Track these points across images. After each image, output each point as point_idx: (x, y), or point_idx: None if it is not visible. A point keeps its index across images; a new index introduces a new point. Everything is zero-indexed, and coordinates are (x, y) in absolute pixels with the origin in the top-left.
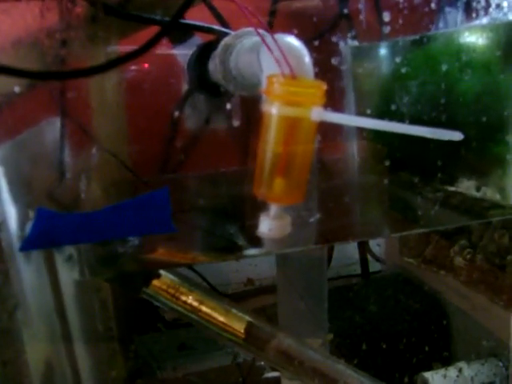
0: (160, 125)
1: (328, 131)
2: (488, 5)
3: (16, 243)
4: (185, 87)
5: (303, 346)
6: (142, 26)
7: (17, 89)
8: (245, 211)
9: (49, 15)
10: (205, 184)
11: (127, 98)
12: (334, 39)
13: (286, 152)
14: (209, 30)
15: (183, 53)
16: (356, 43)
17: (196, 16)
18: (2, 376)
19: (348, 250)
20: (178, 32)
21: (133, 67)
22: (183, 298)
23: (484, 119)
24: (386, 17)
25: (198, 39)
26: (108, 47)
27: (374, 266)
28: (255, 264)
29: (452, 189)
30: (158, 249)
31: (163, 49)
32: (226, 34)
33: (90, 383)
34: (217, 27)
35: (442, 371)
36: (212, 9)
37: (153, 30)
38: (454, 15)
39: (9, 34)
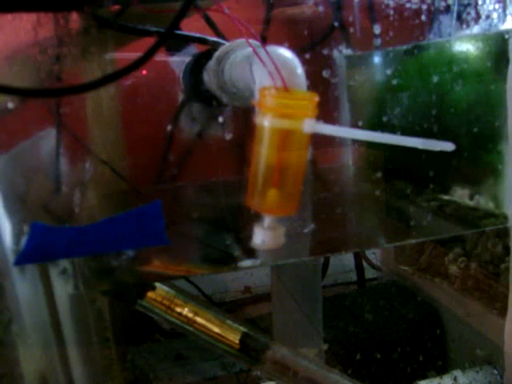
0: (155, 135)
1: (322, 141)
2: (478, 16)
3: (11, 257)
4: (180, 97)
5: (298, 356)
6: (135, 37)
7: (10, 104)
8: (240, 222)
9: (42, 30)
10: (200, 194)
11: (123, 108)
12: (327, 49)
13: (279, 164)
14: (203, 41)
15: (178, 62)
16: (350, 52)
17: (192, 26)
18: None
19: (344, 258)
20: (174, 41)
21: (128, 78)
22: (178, 309)
23: (476, 129)
24: (379, 27)
25: (194, 48)
26: (102, 58)
27: (369, 273)
28: (252, 273)
29: (446, 198)
30: (153, 261)
31: (158, 58)
32: (220, 45)
33: None
34: (211, 38)
35: (436, 380)
36: (207, 19)
37: (147, 39)
38: (447, 26)
39: (2, 50)
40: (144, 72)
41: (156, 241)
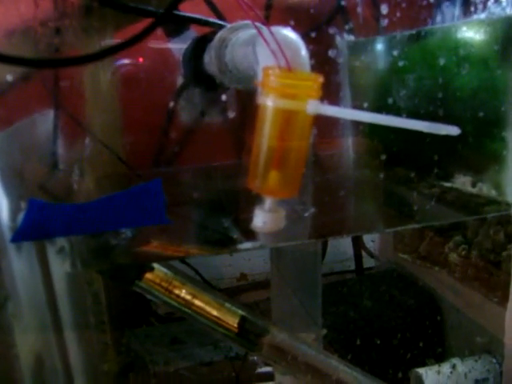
0: (154, 118)
1: (323, 126)
2: None
3: (7, 234)
4: (180, 80)
5: (296, 341)
6: (137, 18)
7: (9, 77)
8: (239, 205)
9: (42, 4)
10: (199, 177)
11: (122, 90)
12: (330, 33)
13: (281, 145)
14: (204, 23)
15: (178, 46)
16: (352, 37)
17: (192, 9)
18: None
19: (342, 246)
20: (174, 25)
21: (128, 59)
22: (176, 291)
23: (481, 114)
24: (383, 11)
25: (194, 32)
26: (102, 38)
27: (368, 262)
28: (248, 258)
29: (448, 184)
30: (151, 241)
31: (158, 42)
32: (221, 27)
33: (82, 377)
34: (212, 20)
35: (435, 367)
36: (208, 1)
37: (148, 23)
38: (452, 10)
39: (2, 23)
40: (144, 56)
41: (156, 220)
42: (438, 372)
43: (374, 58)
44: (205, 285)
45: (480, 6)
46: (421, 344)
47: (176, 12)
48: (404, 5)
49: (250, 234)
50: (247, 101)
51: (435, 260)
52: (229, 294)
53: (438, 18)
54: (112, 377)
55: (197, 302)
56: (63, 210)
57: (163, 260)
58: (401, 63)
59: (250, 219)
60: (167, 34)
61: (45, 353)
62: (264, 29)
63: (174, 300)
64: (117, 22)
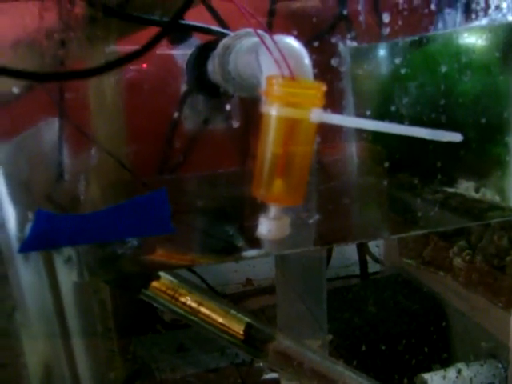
0: (159, 125)
1: (327, 133)
2: (487, 6)
3: (15, 244)
4: (183, 88)
5: (302, 347)
6: (141, 27)
7: (15, 89)
8: (244, 212)
9: (47, 16)
10: (204, 185)
11: (126, 98)
12: (332, 41)
13: (286, 153)
14: (208, 31)
15: (182, 53)
16: (355, 44)
17: (195, 17)
18: (1, 378)
19: (347, 251)
20: (177, 33)
21: (131, 68)
22: (182, 299)
23: (483, 120)
24: (386, 18)
25: (197, 40)
26: (107, 48)
27: (372, 267)
28: (254, 265)
29: (451, 190)
30: (157, 250)
31: (162, 49)
32: (225, 35)
33: None
34: (216, 28)
35: (441, 372)
36: (211, 10)
37: (152, 30)
38: (453, 16)
39: (7, 35)
40: (148, 63)
41: (161, 229)
42: (444, 377)
43: (377, 64)
44: (210, 292)
45: (481, 13)
46: (426, 349)
47: (181, 21)
48: (406, 12)
49: (255, 242)
50: (251, 108)
51: (440, 265)
52: (234, 299)
53: (440, 25)
54: None
55: (203, 310)
56: (70, 220)
57: (169, 268)
58: (403, 70)
59: (254, 227)
60: (171, 41)
61: (52, 361)
62: (267, 37)
63: (180, 308)
64: (120, 30)
